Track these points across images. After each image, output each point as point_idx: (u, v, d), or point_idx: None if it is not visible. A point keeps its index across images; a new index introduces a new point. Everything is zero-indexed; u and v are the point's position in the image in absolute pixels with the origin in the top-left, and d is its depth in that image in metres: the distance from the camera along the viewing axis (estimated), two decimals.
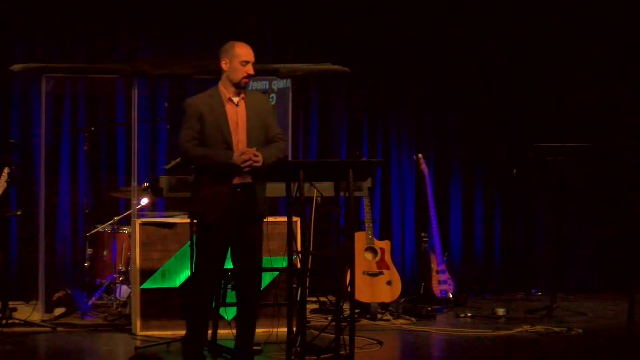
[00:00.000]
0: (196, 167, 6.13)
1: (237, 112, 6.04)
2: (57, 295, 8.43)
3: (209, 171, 6.01)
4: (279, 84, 8.79)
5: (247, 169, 5.91)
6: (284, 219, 6.33)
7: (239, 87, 6.04)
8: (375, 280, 8.57)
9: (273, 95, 8.70)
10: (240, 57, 6.01)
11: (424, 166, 9.38)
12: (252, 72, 6.04)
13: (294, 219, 6.48)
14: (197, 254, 6.15)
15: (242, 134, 6.02)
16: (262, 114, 6.10)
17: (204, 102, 6.01)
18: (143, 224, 7.64)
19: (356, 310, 6.84)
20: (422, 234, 9.46)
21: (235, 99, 6.06)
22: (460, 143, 10.36)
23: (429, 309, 8.72)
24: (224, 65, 6.05)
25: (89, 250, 8.64)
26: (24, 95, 9.36)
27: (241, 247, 6.03)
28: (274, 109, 6.26)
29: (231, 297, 6.44)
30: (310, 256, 6.49)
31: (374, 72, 10.15)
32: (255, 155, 5.92)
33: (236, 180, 5.98)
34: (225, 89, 6.06)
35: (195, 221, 6.28)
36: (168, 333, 7.39)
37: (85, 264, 8.66)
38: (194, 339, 6.12)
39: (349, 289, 6.42)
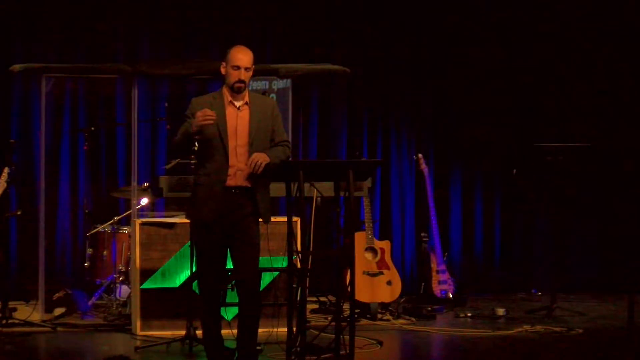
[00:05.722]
0: (179, 151, 6.12)
1: (237, 116, 6.02)
2: (57, 295, 8.43)
3: (204, 172, 6.00)
4: (279, 84, 8.79)
5: (207, 121, 5.84)
6: (284, 219, 6.33)
7: (234, 92, 6.03)
8: (375, 280, 8.57)
9: (273, 95, 8.71)
10: (232, 61, 5.99)
11: (424, 166, 9.38)
12: (243, 77, 5.98)
13: (294, 219, 6.49)
14: (196, 255, 6.17)
15: (243, 138, 5.99)
16: (267, 120, 6.07)
17: (207, 103, 6.00)
18: (143, 224, 7.64)
19: (356, 310, 6.83)
20: (422, 234, 9.46)
21: (238, 103, 6.04)
22: (460, 143, 10.36)
23: (429, 309, 8.72)
24: (222, 68, 6.04)
25: (89, 250, 8.65)
26: (24, 95, 9.37)
27: (238, 248, 6.02)
28: (280, 115, 6.21)
29: (231, 297, 6.45)
30: (310, 256, 6.49)
31: (374, 72, 10.15)
32: (256, 163, 5.90)
33: (231, 182, 5.97)
34: (227, 93, 6.06)
35: (190, 221, 6.28)
36: (168, 333, 7.39)
37: (85, 264, 8.66)
38: (210, 338, 6.11)
39: (349, 289, 6.42)
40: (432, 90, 10.34)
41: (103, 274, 8.55)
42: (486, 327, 8.07)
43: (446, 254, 9.39)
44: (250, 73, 6.04)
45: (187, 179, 7.18)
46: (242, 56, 6.00)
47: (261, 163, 5.88)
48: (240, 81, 5.98)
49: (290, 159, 6.22)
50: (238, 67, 5.98)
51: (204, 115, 5.82)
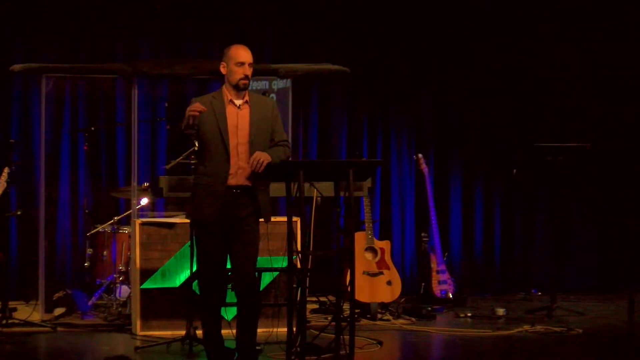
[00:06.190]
0: (175, 148, 6.24)
1: (238, 115, 6.02)
2: (57, 295, 8.43)
3: (204, 171, 6.00)
4: (279, 84, 8.79)
5: (194, 113, 5.86)
6: (284, 219, 6.33)
7: (239, 89, 6.03)
8: (375, 280, 8.57)
9: (273, 95, 8.71)
10: (235, 58, 6.00)
11: (424, 166, 9.38)
12: (248, 72, 6.00)
13: (294, 219, 6.48)
14: (197, 254, 6.17)
15: (243, 137, 5.99)
16: (267, 119, 6.08)
17: (207, 102, 6.00)
18: (143, 224, 7.64)
19: (356, 310, 6.84)
20: (422, 234, 9.46)
21: (238, 102, 6.04)
22: (460, 143, 10.36)
23: (429, 309, 8.72)
24: (223, 69, 6.05)
25: (89, 250, 8.64)
26: (24, 95, 9.36)
27: (237, 248, 6.02)
28: (280, 115, 6.22)
29: (231, 297, 6.45)
30: (310, 256, 6.49)
31: (374, 72, 10.15)
32: (258, 161, 5.90)
33: (232, 182, 5.97)
34: (227, 92, 6.06)
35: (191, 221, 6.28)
36: (168, 333, 7.39)
37: (85, 264, 8.66)
38: (210, 338, 6.11)
39: (349, 289, 6.42)
40: (432, 90, 10.33)
41: (103, 274, 8.54)
42: (486, 327, 8.07)
43: (446, 254, 9.39)
44: (252, 70, 6.06)
45: (187, 179, 7.18)
46: (244, 52, 6.02)
47: (263, 161, 5.89)
48: (246, 77, 6.00)
49: (290, 159, 6.22)
50: (242, 64, 5.99)
51: (190, 108, 5.83)
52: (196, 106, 5.84)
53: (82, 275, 8.81)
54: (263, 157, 5.90)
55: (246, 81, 6.01)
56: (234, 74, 6.01)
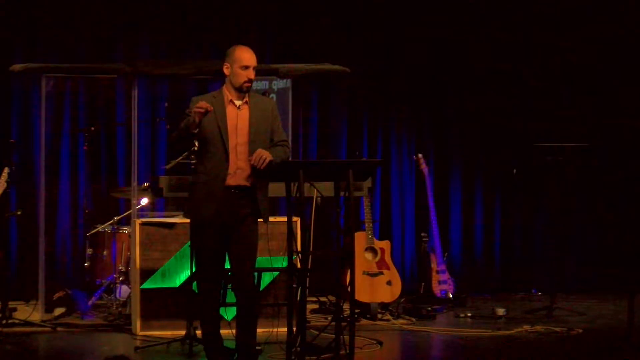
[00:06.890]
0: (177, 145, 6.13)
1: (237, 115, 6.02)
2: (57, 295, 8.43)
3: (203, 170, 6.00)
4: (279, 84, 8.79)
5: (200, 110, 5.85)
6: (284, 219, 6.33)
7: (241, 92, 6.04)
8: (375, 280, 8.57)
9: (273, 95, 8.71)
10: (240, 61, 6.00)
11: (424, 166, 9.38)
12: (252, 76, 6.01)
13: (294, 219, 6.48)
14: (195, 254, 6.17)
15: (243, 136, 6.00)
16: (267, 119, 6.09)
17: (207, 102, 6.00)
18: (143, 224, 7.64)
19: (356, 310, 6.84)
20: (422, 234, 9.46)
21: (238, 102, 6.05)
22: (460, 143, 10.36)
23: (429, 309, 8.71)
24: (226, 69, 6.05)
25: (89, 250, 8.64)
26: (24, 95, 9.37)
27: (236, 248, 6.02)
28: (279, 116, 6.22)
29: (231, 297, 6.45)
30: (310, 256, 6.49)
31: (374, 71, 10.15)
32: (260, 157, 5.90)
33: (230, 182, 5.97)
34: (228, 92, 6.06)
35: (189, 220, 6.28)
36: (168, 333, 7.39)
37: (85, 264, 8.66)
38: (209, 338, 6.12)
39: (349, 289, 6.42)
40: (432, 91, 10.33)
41: (103, 274, 8.54)
42: (486, 327, 8.07)
43: (446, 254, 9.39)
44: (255, 73, 6.07)
45: (187, 179, 7.17)
46: (249, 56, 6.02)
47: (265, 158, 5.89)
48: (250, 80, 6.01)
49: (290, 158, 6.22)
50: (247, 67, 5.99)
51: (197, 105, 5.82)
52: (203, 104, 5.83)
53: (82, 275, 8.81)
54: (265, 154, 5.91)
55: (249, 84, 6.02)
56: (237, 77, 6.00)
